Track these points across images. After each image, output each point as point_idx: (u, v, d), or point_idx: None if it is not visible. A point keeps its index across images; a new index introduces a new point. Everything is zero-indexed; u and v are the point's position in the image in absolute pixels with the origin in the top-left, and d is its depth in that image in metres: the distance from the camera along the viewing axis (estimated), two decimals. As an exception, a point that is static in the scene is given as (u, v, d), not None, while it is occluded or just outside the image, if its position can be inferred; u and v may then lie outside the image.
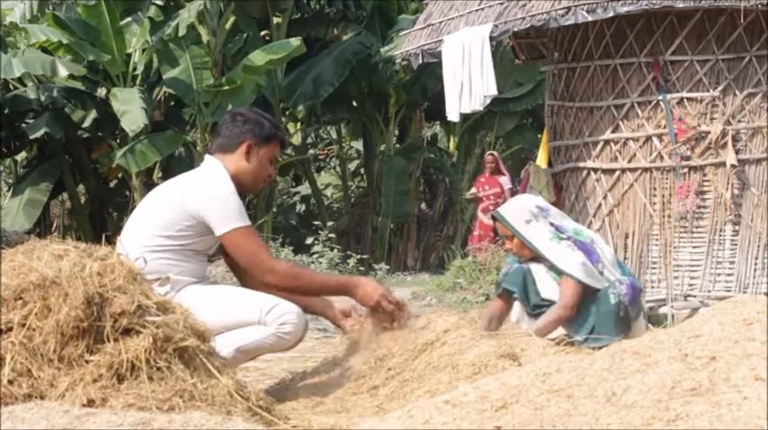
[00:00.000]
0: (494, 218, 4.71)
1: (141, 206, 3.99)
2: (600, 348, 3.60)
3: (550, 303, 4.44)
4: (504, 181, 12.74)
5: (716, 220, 6.78)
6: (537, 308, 4.46)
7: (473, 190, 12.98)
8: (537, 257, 4.53)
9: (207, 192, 3.77)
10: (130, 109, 12.67)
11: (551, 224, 4.51)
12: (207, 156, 3.98)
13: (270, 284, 3.78)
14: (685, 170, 6.80)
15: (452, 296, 9.25)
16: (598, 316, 4.38)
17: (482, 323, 4.49)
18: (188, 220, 3.78)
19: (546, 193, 7.11)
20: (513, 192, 12.29)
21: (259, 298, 3.78)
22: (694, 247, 6.84)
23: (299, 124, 17.14)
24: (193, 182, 3.87)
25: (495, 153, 13.33)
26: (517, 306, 4.55)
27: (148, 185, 14.10)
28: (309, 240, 13.52)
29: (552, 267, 4.47)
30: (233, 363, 3.62)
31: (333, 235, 13.63)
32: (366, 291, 3.72)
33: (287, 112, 15.45)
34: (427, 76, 14.65)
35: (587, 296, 4.40)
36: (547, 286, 4.46)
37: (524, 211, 4.55)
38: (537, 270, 4.50)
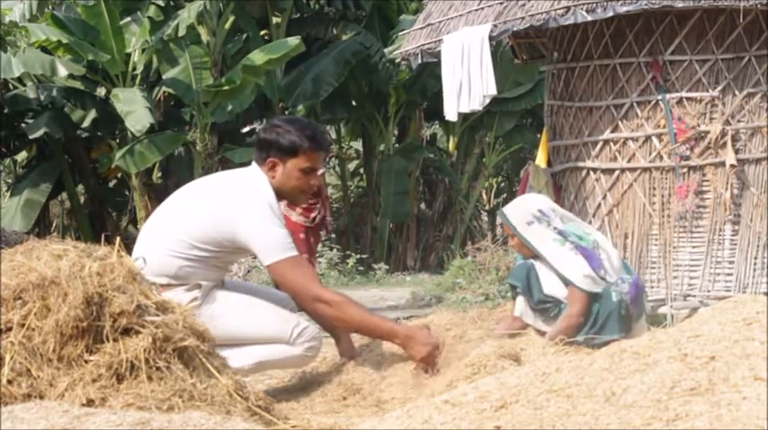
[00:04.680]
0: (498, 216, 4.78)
1: (173, 206, 3.91)
2: (599, 347, 3.61)
3: (554, 300, 4.46)
4: None
5: (715, 220, 6.78)
6: (540, 303, 4.48)
7: None
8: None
9: (251, 220, 3.68)
10: (134, 109, 12.66)
11: (555, 228, 4.54)
12: (254, 164, 3.91)
13: (313, 314, 3.80)
14: (685, 170, 6.80)
15: (452, 296, 9.25)
16: (600, 314, 4.41)
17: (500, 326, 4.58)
18: (228, 241, 3.73)
19: (545, 193, 7.10)
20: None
21: (290, 317, 3.80)
22: (694, 247, 6.83)
23: (298, 124, 17.12)
24: (237, 200, 3.75)
25: None
26: (520, 300, 4.57)
27: (148, 185, 14.11)
28: (309, 240, 13.49)
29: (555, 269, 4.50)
30: (248, 372, 3.64)
31: (332, 235, 13.63)
32: (418, 345, 3.61)
33: (286, 112, 15.45)
34: (427, 76, 14.64)
35: (591, 297, 4.44)
36: (551, 282, 4.49)
37: (527, 213, 4.59)
38: (541, 266, 4.53)
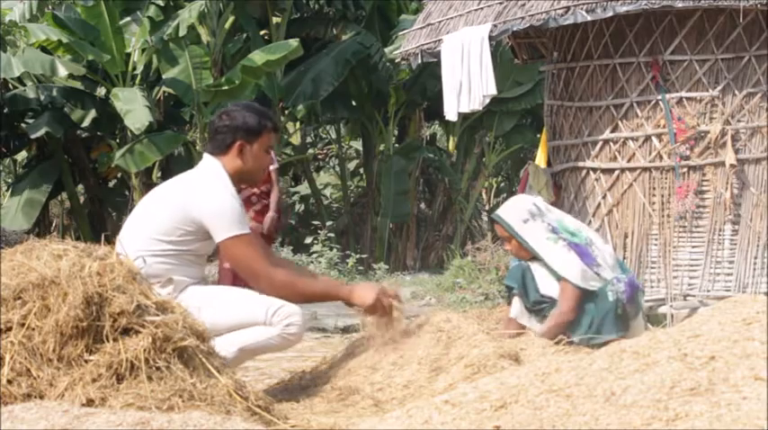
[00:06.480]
0: (492, 220, 4.76)
1: (140, 208, 4.00)
2: (599, 347, 3.61)
3: (550, 300, 4.47)
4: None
5: (715, 220, 6.79)
6: (536, 304, 4.49)
7: None
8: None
9: (207, 197, 3.81)
10: (134, 108, 12.66)
11: (548, 224, 4.54)
12: (206, 155, 4.01)
13: (264, 292, 3.81)
14: (684, 170, 6.80)
15: (451, 296, 9.25)
16: (596, 314, 4.41)
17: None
18: (189, 225, 3.80)
19: (545, 193, 7.11)
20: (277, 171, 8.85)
21: (263, 299, 3.81)
22: (693, 247, 6.84)
23: (298, 124, 17.13)
24: (194, 185, 3.89)
25: None
26: (516, 301, 4.58)
27: (148, 185, 14.09)
28: (309, 240, 13.52)
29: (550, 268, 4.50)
30: (235, 362, 3.64)
31: (332, 234, 13.62)
32: (362, 293, 3.79)
33: (286, 112, 15.45)
34: (427, 76, 14.64)
35: (585, 295, 4.43)
36: (547, 283, 4.49)
37: (522, 211, 4.59)
38: (537, 267, 4.53)
